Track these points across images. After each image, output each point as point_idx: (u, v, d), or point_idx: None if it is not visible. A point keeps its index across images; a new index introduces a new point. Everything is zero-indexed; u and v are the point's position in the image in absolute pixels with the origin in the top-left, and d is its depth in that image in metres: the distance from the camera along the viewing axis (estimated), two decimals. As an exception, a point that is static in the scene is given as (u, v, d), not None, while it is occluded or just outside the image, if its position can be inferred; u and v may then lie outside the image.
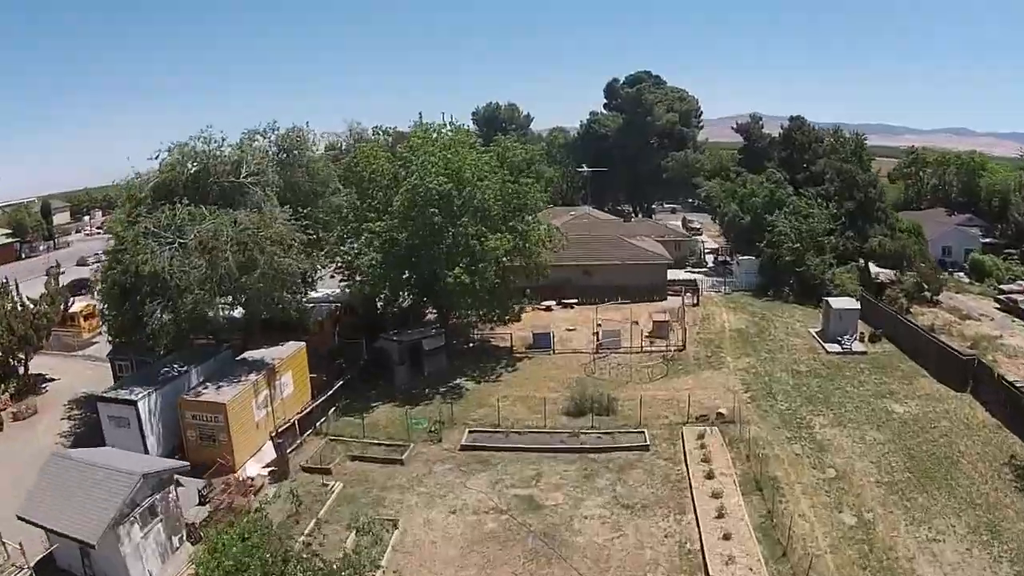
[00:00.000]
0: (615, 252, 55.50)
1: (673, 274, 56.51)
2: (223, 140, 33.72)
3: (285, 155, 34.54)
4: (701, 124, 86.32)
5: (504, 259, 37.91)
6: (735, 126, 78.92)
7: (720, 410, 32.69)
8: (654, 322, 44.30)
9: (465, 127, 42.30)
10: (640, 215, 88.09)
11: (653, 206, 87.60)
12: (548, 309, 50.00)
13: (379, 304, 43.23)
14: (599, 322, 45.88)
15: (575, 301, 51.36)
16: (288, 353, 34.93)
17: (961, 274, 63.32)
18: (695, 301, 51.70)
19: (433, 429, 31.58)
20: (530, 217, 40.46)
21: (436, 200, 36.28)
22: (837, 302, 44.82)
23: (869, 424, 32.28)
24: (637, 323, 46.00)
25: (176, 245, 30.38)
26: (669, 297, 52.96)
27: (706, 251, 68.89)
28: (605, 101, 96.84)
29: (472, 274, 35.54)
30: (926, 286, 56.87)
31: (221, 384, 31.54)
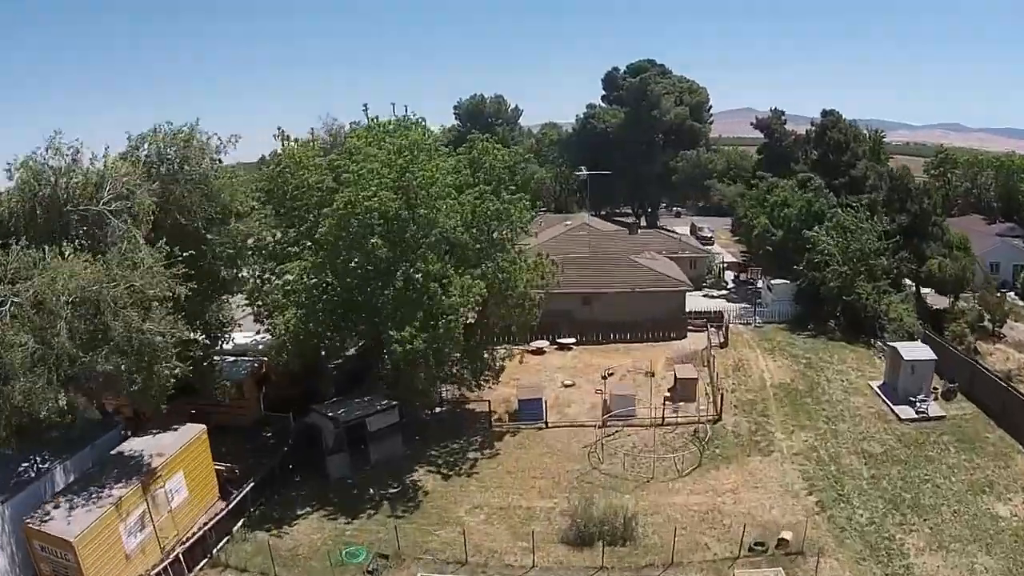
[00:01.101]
0: (622, 275, 45.85)
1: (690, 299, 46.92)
2: (78, 151, 23.86)
3: (167, 168, 24.52)
4: (711, 119, 76.61)
5: (475, 309, 28.25)
6: (754, 121, 69.33)
7: (782, 534, 23.21)
8: (677, 379, 34.59)
9: (422, 123, 32.17)
10: (644, 221, 78.39)
11: (659, 211, 77.74)
12: (539, 352, 40.29)
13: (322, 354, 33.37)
14: (606, 372, 36.24)
15: (573, 341, 41.62)
16: (177, 446, 25.22)
17: (1012, 295, 54.16)
18: (722, 339, 42.08)
19: (372, 570, 21.87)
20: (514, 248, 30.74)
21: (380, 226, 26.46)
22: (908, 350, 35.42)
23: (975, 542, 23.55)
24: (654, 375, 36.39)
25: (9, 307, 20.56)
26: (689, 333, 43.32)
27: (723, 267, 59.20)
28: (603, 93, 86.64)
29: (430, 338, 25.69)
30: (988, 316, 47.64)
31: (83, 498, 22.18)
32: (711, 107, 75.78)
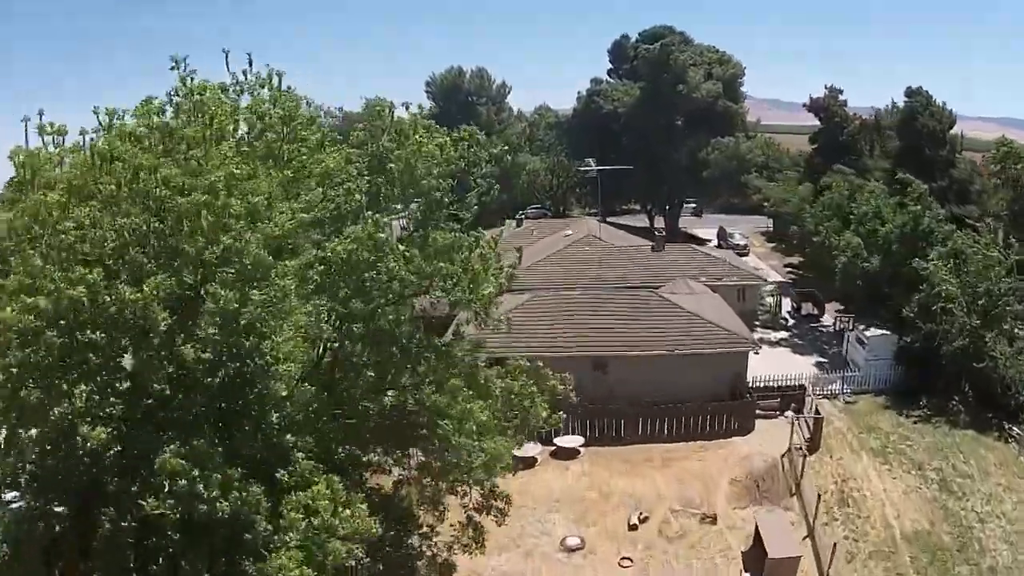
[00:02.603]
0: (652, 324, 31.11)
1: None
2: None
3: None
4: (746, 97, 61.52)
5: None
6: (807, 102, 54.24)
7: None
8: (769, 559, 19.77)
9: (275, 80, 16.23)
10: (662, 223, 63.51)
11: (690, 210, 62.27)
12: (527, 464, 25.19)
13: None
14: (637, 517, 21.63)
15: (580, 442, 26.74)
16: None
17: None
18: (809, 435, 27.42)
19: None
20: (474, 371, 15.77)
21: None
22: None
23: None
24: (715, 521, 21.78)
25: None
26: (757, 422, 28.60)
27: (779, 297, 44.11)
28: (610, 67, 71.29)
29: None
30: None
31: None
32: (744, 83, 60.64)
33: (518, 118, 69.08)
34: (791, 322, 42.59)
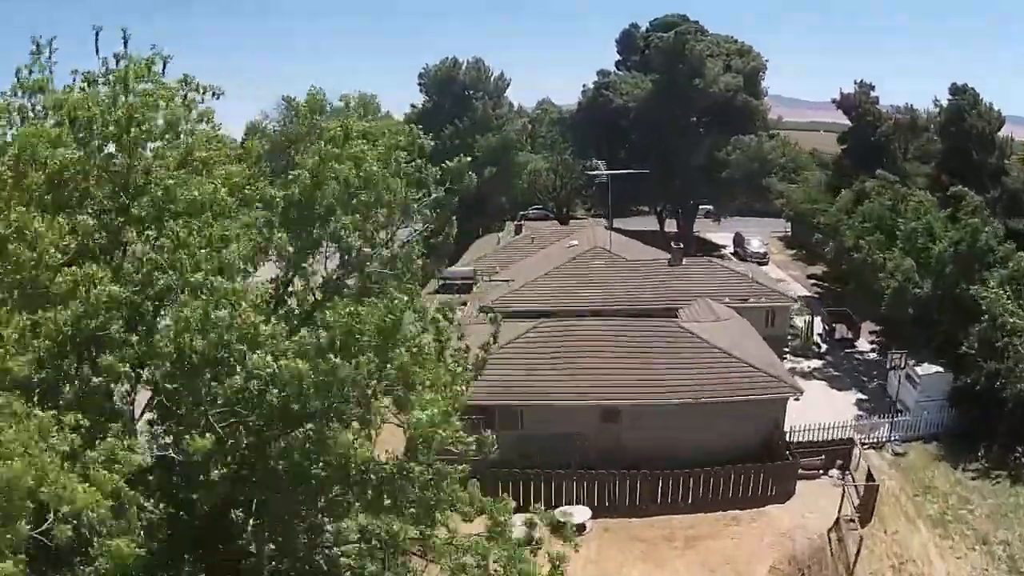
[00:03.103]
0: (672, 364, 26.67)
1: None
2: None
3: None
4: (767, 92, 56.88)
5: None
6: (836, 99, 49.58)
7: None
8: None
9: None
10: (674, 226, 59.24)
11: (707, 214, 57.60)
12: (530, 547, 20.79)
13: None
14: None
15: (587, 516, 22.39)
16: None
17: None
18: (858, 501, 23.16)
19: None
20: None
21: None
22: None
23: None
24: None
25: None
26: (798, 484, 24.33)
27: (798, 310, 39.69)
28: (618, 58, 66.62)
29: None
30: None
31: None
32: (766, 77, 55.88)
33: (518, 113, 64.43)
34: (824, 348, 38.20)
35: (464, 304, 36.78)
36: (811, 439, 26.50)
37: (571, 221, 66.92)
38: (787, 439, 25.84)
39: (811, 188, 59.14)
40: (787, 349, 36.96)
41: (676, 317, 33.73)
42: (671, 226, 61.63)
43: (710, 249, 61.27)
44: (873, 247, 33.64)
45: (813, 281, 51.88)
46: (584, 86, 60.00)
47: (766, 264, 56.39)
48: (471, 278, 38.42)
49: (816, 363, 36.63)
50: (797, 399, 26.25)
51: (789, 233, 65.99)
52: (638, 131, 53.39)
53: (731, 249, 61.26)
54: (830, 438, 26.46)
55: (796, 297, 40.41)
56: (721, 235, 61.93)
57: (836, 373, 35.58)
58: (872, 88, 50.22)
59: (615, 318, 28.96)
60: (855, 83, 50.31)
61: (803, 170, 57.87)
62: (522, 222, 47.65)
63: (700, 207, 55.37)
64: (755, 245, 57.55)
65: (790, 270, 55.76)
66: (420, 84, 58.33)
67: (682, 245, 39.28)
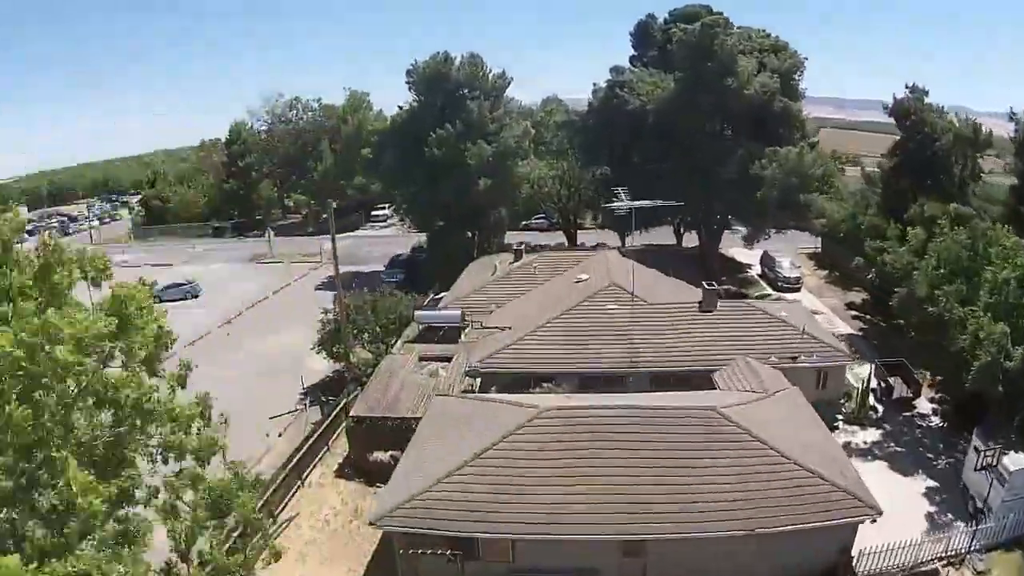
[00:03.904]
0: (712, 474, 20.02)
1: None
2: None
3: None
4: (805, 94, 49.81)
5: None
6: (889, 106, 42.60)
7: None
8: None
9: None
10: (695, 239, 52.65)
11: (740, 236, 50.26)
12: None
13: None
14: None
15: None
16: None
17: None
18: None
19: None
20: None
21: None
22: None
23: None
24: None
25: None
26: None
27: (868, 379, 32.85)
28: (633, 53, 59.58)
29: None
30: None
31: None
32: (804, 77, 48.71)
33: (520, 114, 57.38)
34: (879, 410, 31.49)
35: (448, 360, 30.07)
36: (883, 567, 19.90)
37: (578, 231, 60.58)
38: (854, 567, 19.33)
39: (852, 204, 52.31)
40: (840, 416, 30.40)
41: (711, 382, 27.26)
42: (689, 239, 54.91)
43: (735, 270, 54.58)
44: (952, 299, 26.89)
45: (854, 313, 45.34)
46: (595, 85, 53.06)
47: (799, 290, 49.87)
48: (459, 322, 31.70)
49: (873, 434, 30.06)
50: (875, 521, 19.68)
51: (819, 249, 59.38)
52: (658, 137, 46.45)
53: (757, 270, 54.63)
54: (906, 562, 19.85)
55: (853, 355, 33.63)
56: (745, 251, 55.22)
57: (897, 448, 29.00)
58: (926, 94, 43.23)
59: (638, 407, 22.08)
60: (907, 88, 43.31)
61: (831, 177, 50.95)
62: (522, 247, 40.76)
63: (734, 228, 48.34)
64: (786, 267, 50.82)
65: (825, 296, 49.19)
66: (408, 82, 51.31)
67: (713, 285, 32.39)
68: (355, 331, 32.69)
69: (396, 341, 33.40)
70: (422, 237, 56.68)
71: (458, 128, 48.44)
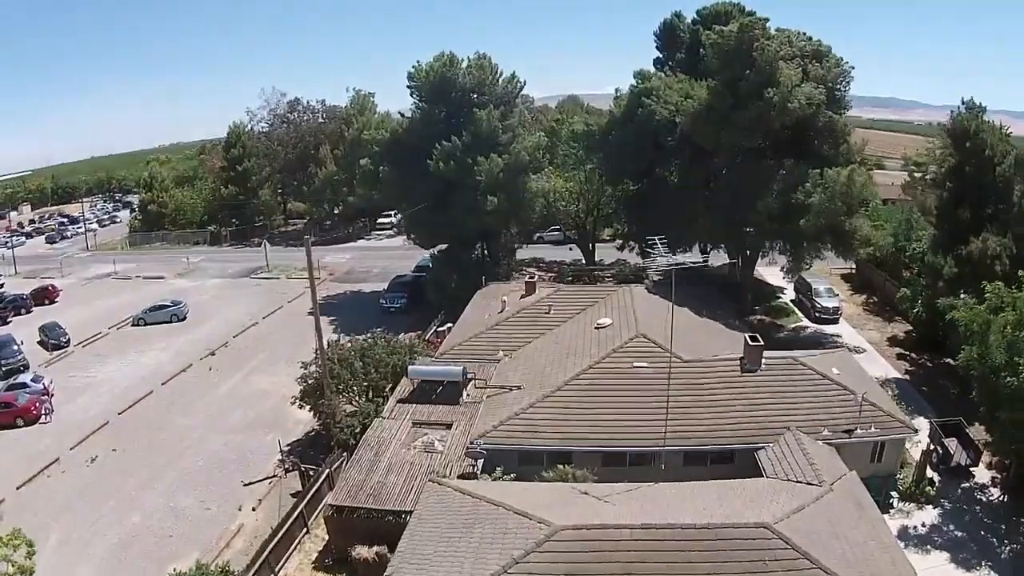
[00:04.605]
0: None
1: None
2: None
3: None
4: (849, 105, 44.92)
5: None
6: (948, 125, 37.72)
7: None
8: None
9: None
10: (723, 259, 48.20)
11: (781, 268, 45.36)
12: None
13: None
14: None
15: None
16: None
17: None
18: None
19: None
20: None
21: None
22: None
23: None
24: None
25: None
26: None
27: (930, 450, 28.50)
28: (659, 54, 54.96)
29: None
30: None
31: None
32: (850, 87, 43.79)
33: (534, 121, 52.87)
34: (937, 481, 27.06)
35: (448, 427, 25.86)
36: None
37: (597, 244, 56.09)
38: None
39: (894, 226, 47.36)
40: (895, 494, 26.03)
41: (755, 460, 23.03)
42: (715, 257, 50.07)
43: (767, 296, 49.94)
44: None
45: (898, 350, 40.79)
46: (618, 91, 48.42)
47: (837, 321, 45.31)
48: (460, 379, 27.42)
49: (931, 514, 25.82)
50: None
51: (854, 269, 54.59)
52: (688, 153, 41.89)
53: (791, 295, 49.94)
54: None
55: (905, 411, 29.17)
56: (776, 273, 50.39)
57: (957, 533, 24.69)
58: (983, 111, 38.28)
59: (676, 527, 17.67)
60: (962, 103, 38.42)
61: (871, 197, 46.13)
62: (535, 279, 36.43)
63: (765, 255, 43.64)
64: (824, 295, 46.10)
65: (866, 329, 44.67)
66: (410, 87, 46.91)
67: (757, 339, 27.87)
68: (339, 386, 28.54)
69: (390, 387, 29.27)
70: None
71: (465, 140, 44.03)
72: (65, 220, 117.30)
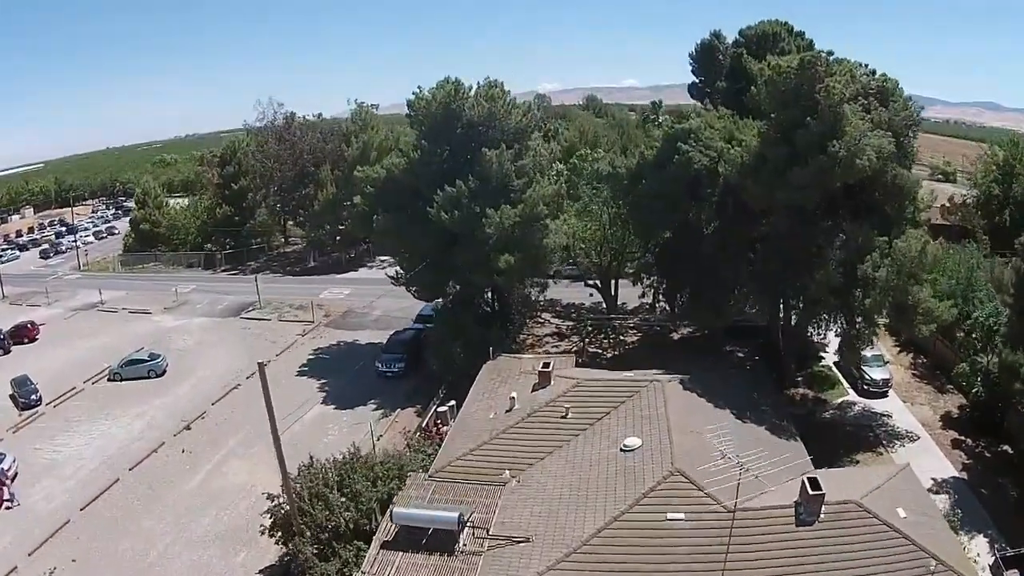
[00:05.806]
0: None
1: None
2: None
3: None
4: (916, 155, 38.92)
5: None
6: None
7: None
8: None
9: None
10: (759, 316, 42.79)
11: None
12: None
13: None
14: None
15: None
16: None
17: None
18: None
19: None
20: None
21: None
22: None
23: None
24: None
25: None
26: None
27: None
28: (694, 80, 48.93)
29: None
30: None
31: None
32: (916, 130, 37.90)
33: (553, 157, 47.15)
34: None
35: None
36: None
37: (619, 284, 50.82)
38: None
39: (955, 295, 41.00)
40: None
41: None
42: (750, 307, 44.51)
43: (809, 357, 44.28)
44: None
45: (952, 434, 35.62)
46: (647, 124, 43.00)
47: (886, 394, 39.90)
48: (455, 527, 22.37)
49: None
50: None
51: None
52: (732, 209, 36.43)
53: (834, 357, 44.07)
54: None
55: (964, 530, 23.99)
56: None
57: None
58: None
59: None
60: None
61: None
62: (550, 369, 31.16)
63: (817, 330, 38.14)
64: (872, 364, 39.94)
65: (917, 402, 39.50)
66: (410, 116, 41.62)
67: (818, 484, 22.51)
68: (311, 526, 23.64)
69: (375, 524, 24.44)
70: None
71: (472, 184, 38.77)
72: (64, 229, 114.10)
